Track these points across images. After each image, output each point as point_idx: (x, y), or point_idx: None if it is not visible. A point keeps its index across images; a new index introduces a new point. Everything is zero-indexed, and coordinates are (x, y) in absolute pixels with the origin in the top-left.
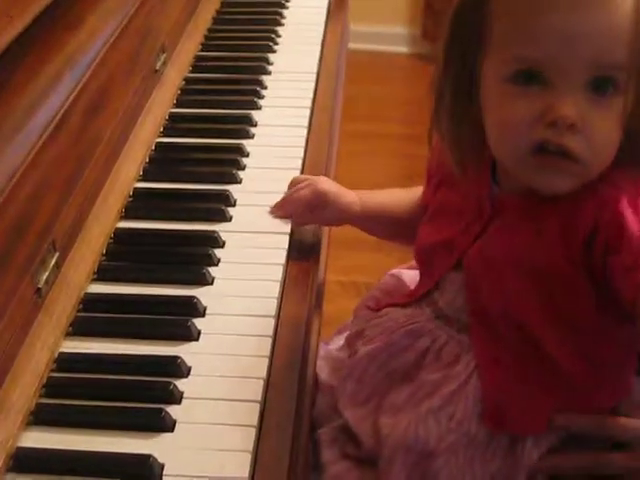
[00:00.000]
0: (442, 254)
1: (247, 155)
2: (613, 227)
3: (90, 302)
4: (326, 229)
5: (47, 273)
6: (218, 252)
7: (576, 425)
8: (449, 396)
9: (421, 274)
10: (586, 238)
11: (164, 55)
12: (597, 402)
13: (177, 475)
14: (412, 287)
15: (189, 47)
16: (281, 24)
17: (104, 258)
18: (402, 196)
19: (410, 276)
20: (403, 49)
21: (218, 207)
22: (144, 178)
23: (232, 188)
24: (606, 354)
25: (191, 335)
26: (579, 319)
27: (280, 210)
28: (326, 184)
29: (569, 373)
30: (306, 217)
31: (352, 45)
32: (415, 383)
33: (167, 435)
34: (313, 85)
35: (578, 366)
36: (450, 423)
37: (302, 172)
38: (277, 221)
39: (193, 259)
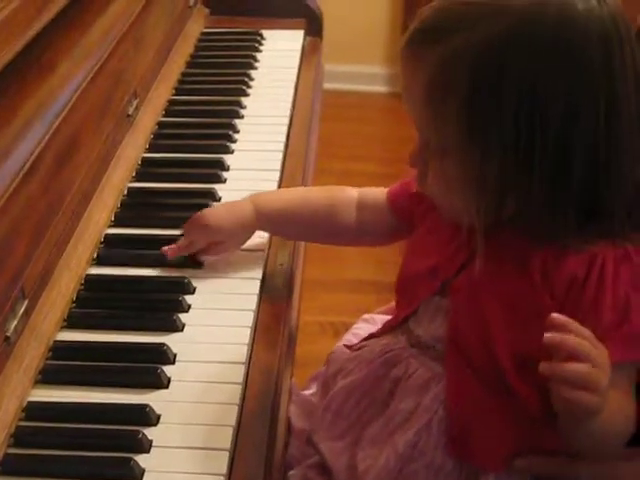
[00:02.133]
0: (425, 280)
1: (219, 199)
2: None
3: (59, 350)
4: (299, 271)
5: (16, 321)
6: (189, 298)
7: (537, 468)
8: (423, 428)
9: (400, 302)
10: (568, 284)
11: (137, 100)
12: (556, 442)
13: None
14: None
15: (162, 91)
16: (254, 68)
17: (74, 305)
18: (312, 195)
19: (383, 321)
20: (382, 88)
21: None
22: (115, 224)
23: None
24: None
25: (161, 383)
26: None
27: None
28: (208, 218)
29: (533, 410)
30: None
31: (331, 84)
32: (387, 413)
33: None
34: (286, 129)
35: (542, 404)
36: (413, 452)
37: None
38: (248, 266)
39: (163, 305)
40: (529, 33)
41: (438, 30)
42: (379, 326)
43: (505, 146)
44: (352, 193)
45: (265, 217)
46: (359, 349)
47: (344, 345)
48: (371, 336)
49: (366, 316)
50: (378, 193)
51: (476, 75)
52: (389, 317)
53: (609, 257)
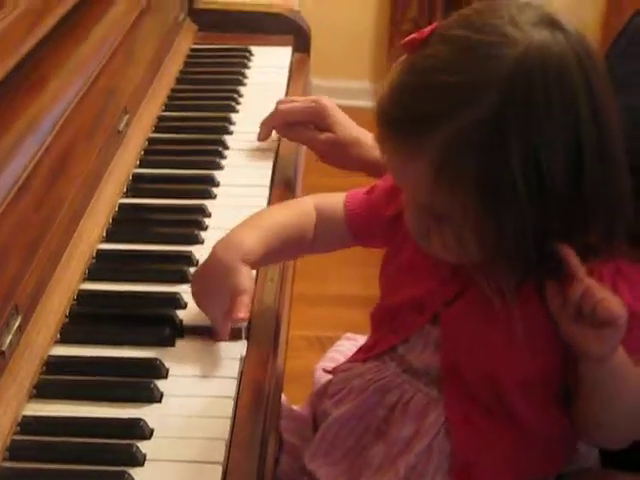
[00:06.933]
0: (410, 311)
1: (209, 215)
2: None
3: (53, 365)
4: (289, 286)
5: (10, 336)
6: (180, 313)
7: None
8: (423, 452)
9: (380, 330)
10: None
11: (127, 116)
12: (554, 465)
13: None
14: None
15: (152, 108)
16: (244, 84)
17: (67, 320)
18: (286, 224)
19: (365, 340)
20: (368, 104)
21: (180, 268)
22: (107, 239)
23: (194, 249)
24: (568, 418)
25: (154, 397)
26: (553, 382)
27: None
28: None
29: (535, 435)
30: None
31: None
32: (388, 441)
33: None
34: (275, 145)
35: (545, 430)
36: (412, 474)
37: None
38: None
39: (156, 320)
40: (521, 97)
41: (430, 118)
42: (361, 344)
43: (521, 210)
44: (311, 213)
45: (258, 263)
46: (343, 371)
47: (324, 370)
48: (352, 360)
49: (349, 335)
50: (336, 211)
51: (483, 149)
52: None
53: (604, 271)
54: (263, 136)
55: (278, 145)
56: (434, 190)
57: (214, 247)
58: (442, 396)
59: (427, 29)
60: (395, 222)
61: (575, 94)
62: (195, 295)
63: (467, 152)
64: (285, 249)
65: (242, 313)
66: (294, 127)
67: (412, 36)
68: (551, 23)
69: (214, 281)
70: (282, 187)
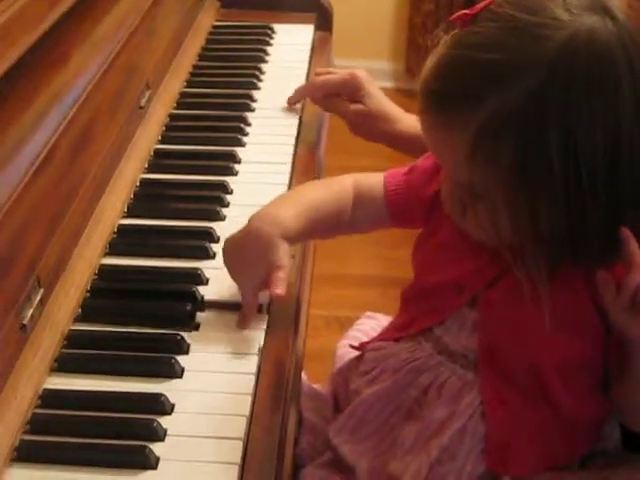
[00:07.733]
0: (449, 292)
1: (231, 192)
2: None
3: (74, 338)
4: (310, 263)
5: (32, 309)
6: (202, 289)
7: None
8: (457, 434)
9: (413, 309)
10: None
11: (149, 92)
12: (585, 447)
13: None
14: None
15: (174, 84)
16: (265, 61)
17: (88, 294)
18: (323, 203)
19: (386, 319)
20: (387, 84)
21: (202, 244)
22: (129, 214)
23: (215, 225)
24: (603, 401)
25: (175, 372)
26: (593, 367)
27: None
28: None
29: (572, 419)
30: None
31: None
32: (422, 422)
33: (151, 472)
34: (297, 122)
35: (583, 414)
36: (444, 455)
37: None
38: None
39: (177, 296)
40: (562, 80)
41: (472, 94)
42: (382, 323)
43: (556, 194)
44: (349, 191)
45: (295, 239)
46: (374, 349)
47: (351, 346)
48: (383, 338)
49: (369, 314)
50: (375, 191)
51: (521, 128)
52: (390, 318)
53: None
54: (293, 100)
55: (300, 121)
56: (471, 167)
57: (250, 219)
58: (477, 379)
59: (480, 5)
60: (435, 201)
61: (617, 81)
62: (229, 266)
63: (505, 130)
64: (322, 227)
65: (279, 289)
66: (327, 97)
67: (463, 11)
68: (603, 9)
69: (251, 254)
70: (304, 165)
